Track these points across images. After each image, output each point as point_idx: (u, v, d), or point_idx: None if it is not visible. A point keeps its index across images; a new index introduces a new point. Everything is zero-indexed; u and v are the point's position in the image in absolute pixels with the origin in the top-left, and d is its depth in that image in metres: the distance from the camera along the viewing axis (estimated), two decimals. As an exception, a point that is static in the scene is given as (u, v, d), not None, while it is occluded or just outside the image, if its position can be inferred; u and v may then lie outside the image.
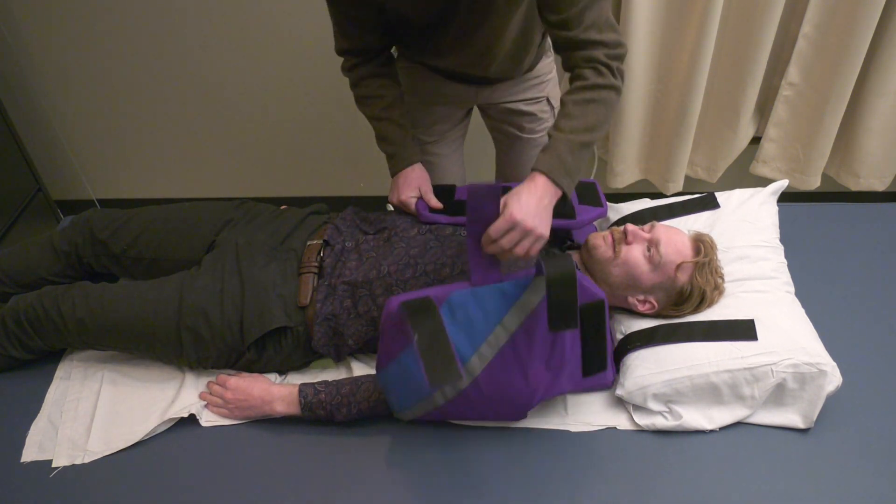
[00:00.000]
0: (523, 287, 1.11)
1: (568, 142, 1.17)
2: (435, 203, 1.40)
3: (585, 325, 1.16)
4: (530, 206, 1.11)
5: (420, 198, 1.42)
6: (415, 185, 1.42)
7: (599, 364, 1.20)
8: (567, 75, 1.30)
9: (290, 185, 2.56)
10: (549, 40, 1.54)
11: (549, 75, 1.62)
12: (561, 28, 1.20)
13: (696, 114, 2.06)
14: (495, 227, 1.10)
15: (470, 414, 1.22)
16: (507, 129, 1.67)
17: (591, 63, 1.20)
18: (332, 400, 1.23)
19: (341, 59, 1.41)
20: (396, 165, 1.44)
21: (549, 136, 1.20)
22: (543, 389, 1.17)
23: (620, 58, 1.22)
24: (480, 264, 1.13)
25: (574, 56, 1.22)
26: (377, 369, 1.18)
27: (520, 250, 1.12)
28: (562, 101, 1.23)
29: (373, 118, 1.43)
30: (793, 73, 2.01)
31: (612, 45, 1.20)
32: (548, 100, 1.64)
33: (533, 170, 1.16)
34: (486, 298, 1.12)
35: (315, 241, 1.39)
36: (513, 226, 1.09)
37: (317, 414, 1.24)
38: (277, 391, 1.26)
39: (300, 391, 1.24)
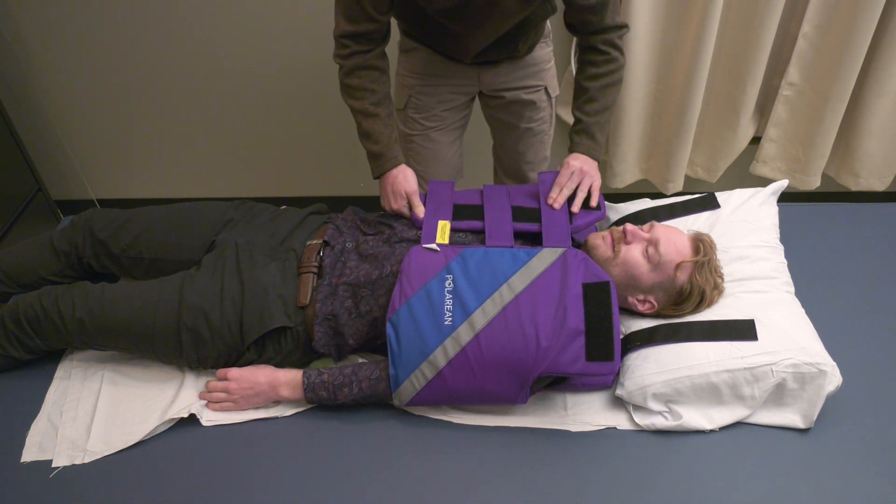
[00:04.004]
0: (532, 254, 1.24)
1: (596, 123, 1.46)
2: (421, 212, 1.40)
3: (589, 303, 1.17)
4: (581, 159, 1.43)
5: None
6: (403, 192, 1.42)
7: (605, 351, 1.15)
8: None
9: (290, 185, 2.56)
10: (548, 25, 1.58)
11: (548, 64, 1.65)
12: (591, 13, 1.37)
13: (696, 114, 2.06)
14: (560, 176, 1.42)
15: (470, 388, 1.20)
16: (507, 118, 1.69)
17: (609, 46, 1.41)
18: (335, 380, 1.24)
19: (335, 45, 1.38)
20: (382, 166, 1.43)
21: (577, 118, 1.46)
22: (544, 360, 1.15)
23: (625, 36, 1.44)
24: (495, 231, 1.34)
25: (594, 39, 1.41)
26: (389, 314, 1.22)
27: (584, 186, 1.42)
28: (583, 87, 1.45)
29: (360, 112, 1.41)
30: (793, 73, 2.02)
31: (623, 26, 1.43)
32: (546, 90, 1.67)
33: (574, 152, 1.45)
34: (497, 258, 1.25)
35: (315, 241, 1.39)
36: (573, 170, 1.42)
37: (319, 395, 1.25)
38: (283, 376, 1.27)
39: (304, 373, 1.26)
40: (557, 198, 1.40)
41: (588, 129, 1.45)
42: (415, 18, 1.43)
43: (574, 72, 2.04)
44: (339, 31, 1.36)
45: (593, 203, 1.42)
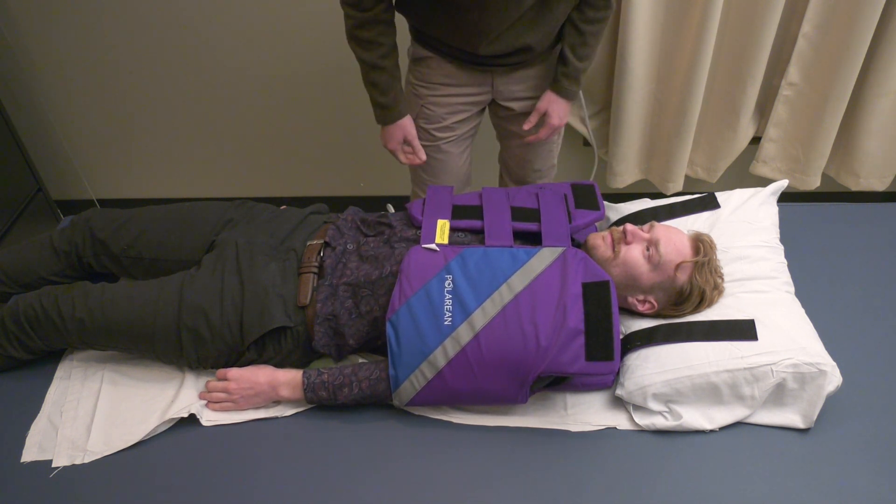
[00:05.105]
0: (532, 253, 1.24)
1: (584, 69, 1.56)
2: (423, 155, 1.59)
3: (589, 302, 1.17)
4: (563, 109, 1.62)
5: (413, 200, 1.46)
6: (400, 138, 1.58)
7: (605, 351, 1.15)
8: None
9: (290, 185, 2.56)
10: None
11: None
12: None
13: (696, 114, 2.06)
14: (545, 128, 1.63)
15: (470, 387, 1.20)
16: (516, 128, 1.70)
17: None
18: (335, 380, 1.25)
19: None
20: (386, 117, 1.55)
21: (567, 60, 1.53)
22: (544, 360, 1.15)
23: None
24: (494, 231, 1.34)
25: None
26: (388, 314, 1.23)
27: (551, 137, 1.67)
28: (580, 29, 1.49)
29: (369, 64, 1.47)
30: (793, 73, 2.01)
31: None
32: None
33: (560, 95, 1.58)
34: (496, 258, 1.25)
35: (315, 242, 1.39)
36: (555, 126, 1.63)
37: (319, 396, 1.25)
38: (282, 376, 1.27)
39: (304, 373, 1.26)
40: (525, 124, 1.61)
41: (577, 74, 1.55)
42: (429, 7, 1.43)
43: None
44: None
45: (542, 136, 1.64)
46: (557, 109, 1.60)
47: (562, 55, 1.55)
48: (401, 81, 1.53)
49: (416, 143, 1.59)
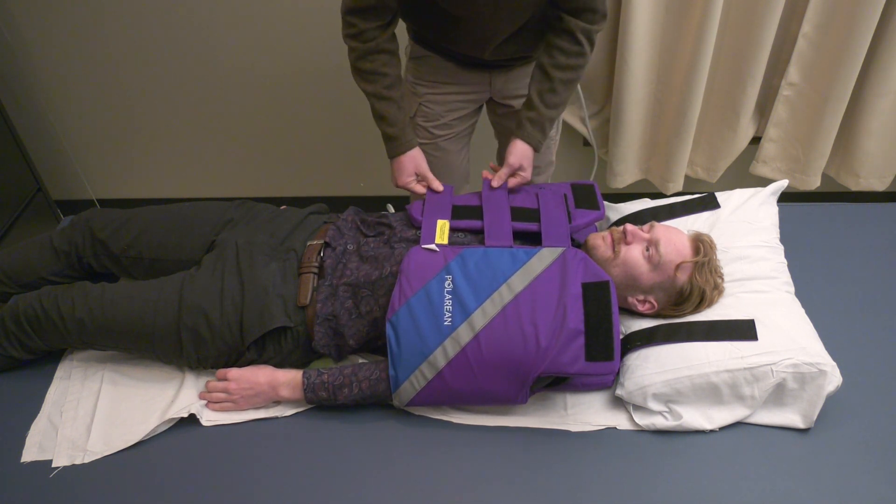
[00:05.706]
0: (532, 254, 1.24)
1: (551, 118, 1.45)
2: (438, 186, 1.47)
3: (589, 303, 1.17)
4: (527, 157, 1.46)
5: (413, 200, 1.45)
6: (411, 172, 1.49)
7: (605, 351, 1.15)
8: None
9: (290, 185, 2.56)
10: None
11: None
12: None
13: (696, 114, 2.06)
14: (503, 171, 1.46)
15: (470, 388, 1.20)
16: (514, 126, 1.68)
17: (585, 37, 1.37)
18: (335, 381, 1.25)
19: (342, 24, 1.37)
20: (396, 149, 1.48)
21: (533, 105, 1.43)
22: (544, 360, 1.15)
23: (601, 28, 1.40)
24: (494, 231, 1.34)
25: (573, 23, 1.36)
26: (388, 315, 1.22)
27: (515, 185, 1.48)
28: (548, 74, 1.40)
29: (374, 95, 1.43)
30: (793, 73, 2.02)
31: (602, 13, 1.36)
32: None
33: (521, 140, 1.45)
34: (496, 258, 1.25)
35: (316, 242, 1.39)
36: (523, 177, 1.47)
37: (319, 396, 1.25)
38: (282, 376, 1.27)
39: (304, 374, 1.27)
40: (494, 181, 1.46)
41: (542, 122, 1.44)
42: (431, 18, 1.43)
43: None
44: (345, 7, 1.35)
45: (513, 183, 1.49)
46: (529, 164, 1.48)
47: (528, 99, 1.45)
48: (408, 115, 1.48)
49: (430, 174, 1.49)
